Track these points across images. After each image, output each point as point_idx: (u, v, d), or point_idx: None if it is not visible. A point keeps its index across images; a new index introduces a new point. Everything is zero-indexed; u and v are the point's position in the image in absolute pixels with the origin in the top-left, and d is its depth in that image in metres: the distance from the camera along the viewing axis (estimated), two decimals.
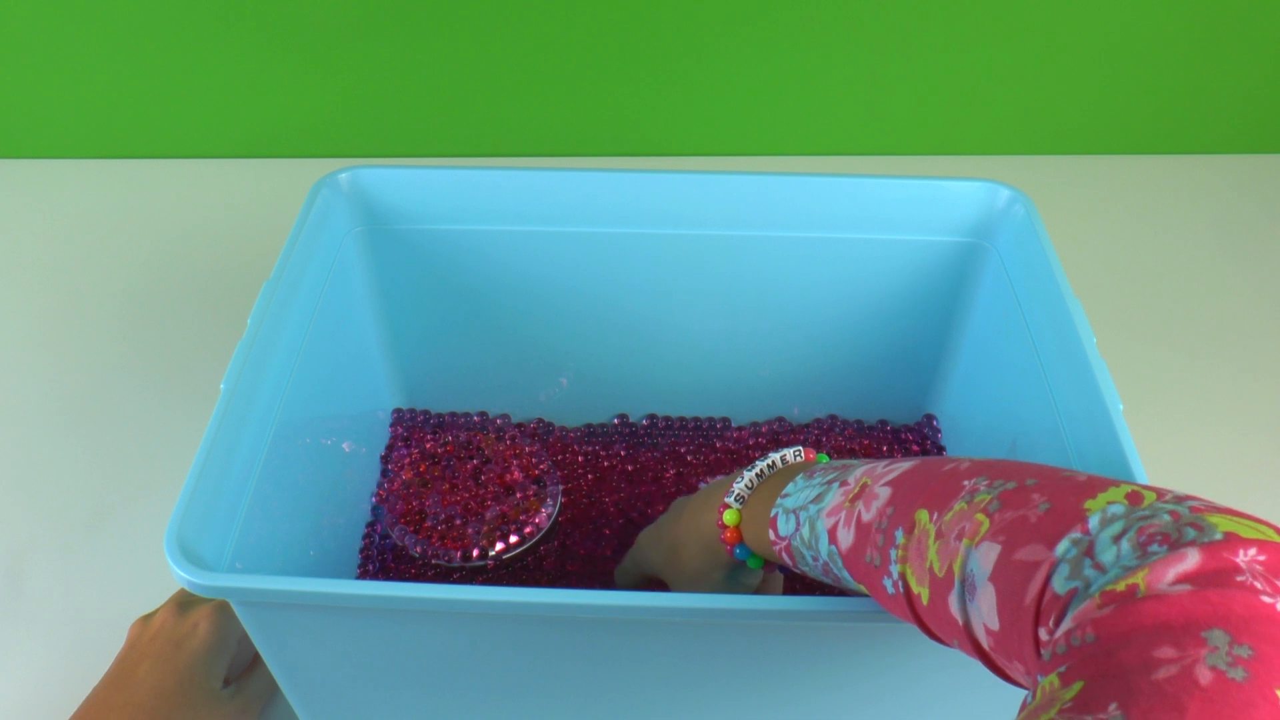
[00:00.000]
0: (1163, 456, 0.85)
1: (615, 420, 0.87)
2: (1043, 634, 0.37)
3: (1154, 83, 1.15)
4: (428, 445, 0.82)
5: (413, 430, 0.87)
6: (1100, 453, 0.56)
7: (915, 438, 0.85)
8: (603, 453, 0.85)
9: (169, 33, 1.08)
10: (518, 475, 0.79)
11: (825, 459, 0.59)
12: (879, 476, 0.49)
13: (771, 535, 0.54)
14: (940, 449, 0.85)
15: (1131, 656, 0.32)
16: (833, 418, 0.87)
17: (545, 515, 0.77)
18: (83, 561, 0.80)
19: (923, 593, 0.43)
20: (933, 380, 0.84)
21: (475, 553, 0.74)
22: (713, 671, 0.58)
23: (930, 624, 0.44)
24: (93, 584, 0.79)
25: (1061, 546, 0.37)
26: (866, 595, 0.49)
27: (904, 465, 0.49)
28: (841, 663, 0.57)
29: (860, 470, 0.51)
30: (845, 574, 0.49)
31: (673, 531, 0.65)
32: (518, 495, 0.78)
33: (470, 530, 0.76)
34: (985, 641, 0.40)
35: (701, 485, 0.74)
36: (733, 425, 0.87)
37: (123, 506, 0.84)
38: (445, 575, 0.76)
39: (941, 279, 0.77)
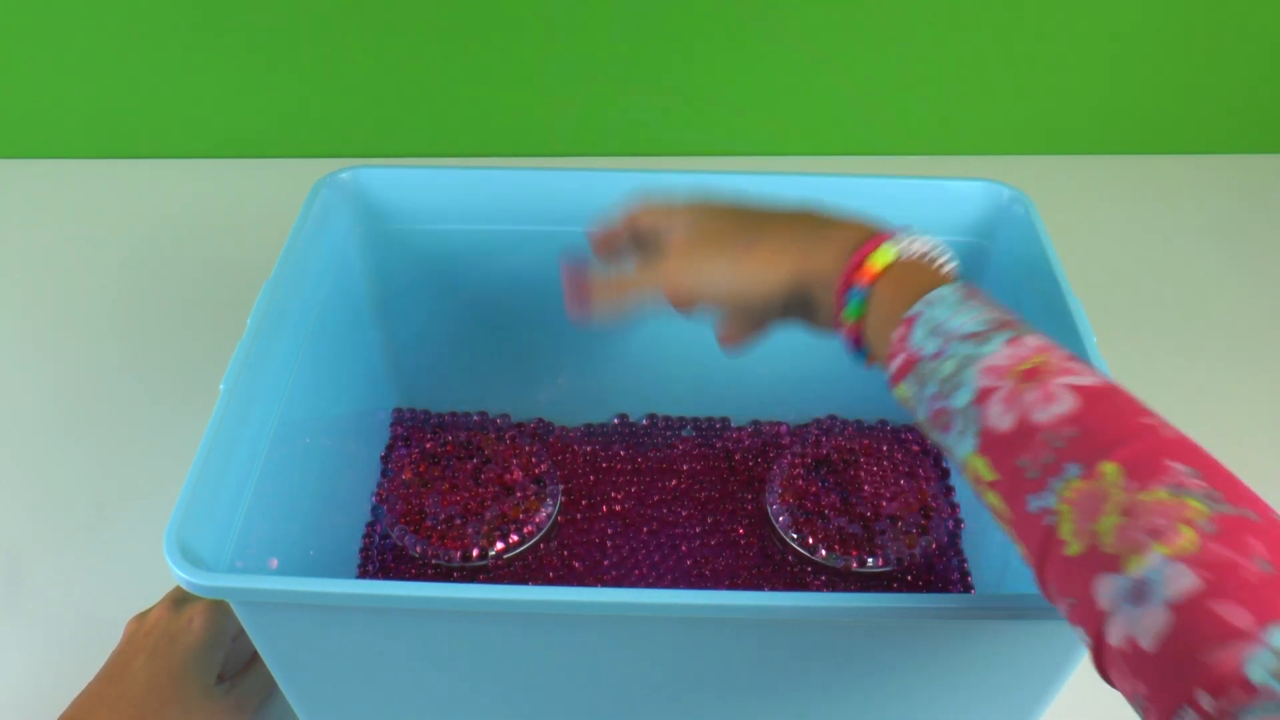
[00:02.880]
0: None
1: (615, 420, 0.87)
2: (1204, 701, 0.34)
3: (1154, 83, 1.15)
4: (428, 445, 0.82)
5: (413, 430, 0.87)
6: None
7: (916, 437, 0.85)
8: (603, 452, 0.85)
9: (169, 33, 1.08)
10: (518, 475, 0.79)
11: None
12: (1060, 369, 0.44)
13: (899, 332, 0.49)
14: None
15: None
16: (832, 417, 0.87)
17: (545, 515, 0.77)
18: (82, 561, 0.80)
19: (1073, 544, 0.40)
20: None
21: (475, 552, 0.74)
22: (716, 671, 0.58)
23: (1053, 571, 0.41)
24: (92, 583, 0.79)
25: (1274, 634, 0.34)
26: (971, 469, 0.45)
27: (1090, 374, 0.45)
28: (848, 662, 0.57)
29: (1033, 338, 0.46)
30: (969, 439, 0.45)
31: (758, 272, 0.55)
32: (517, 495, 0.78)
33: (470, 530, 0.75)
34: (1119, 643, 0.38)
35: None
36: (733, 425, 0.87)
37: (122, 506, 0.84)
38: (445, 575, 0.76)
39: None
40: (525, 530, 0.76)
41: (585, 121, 1.17)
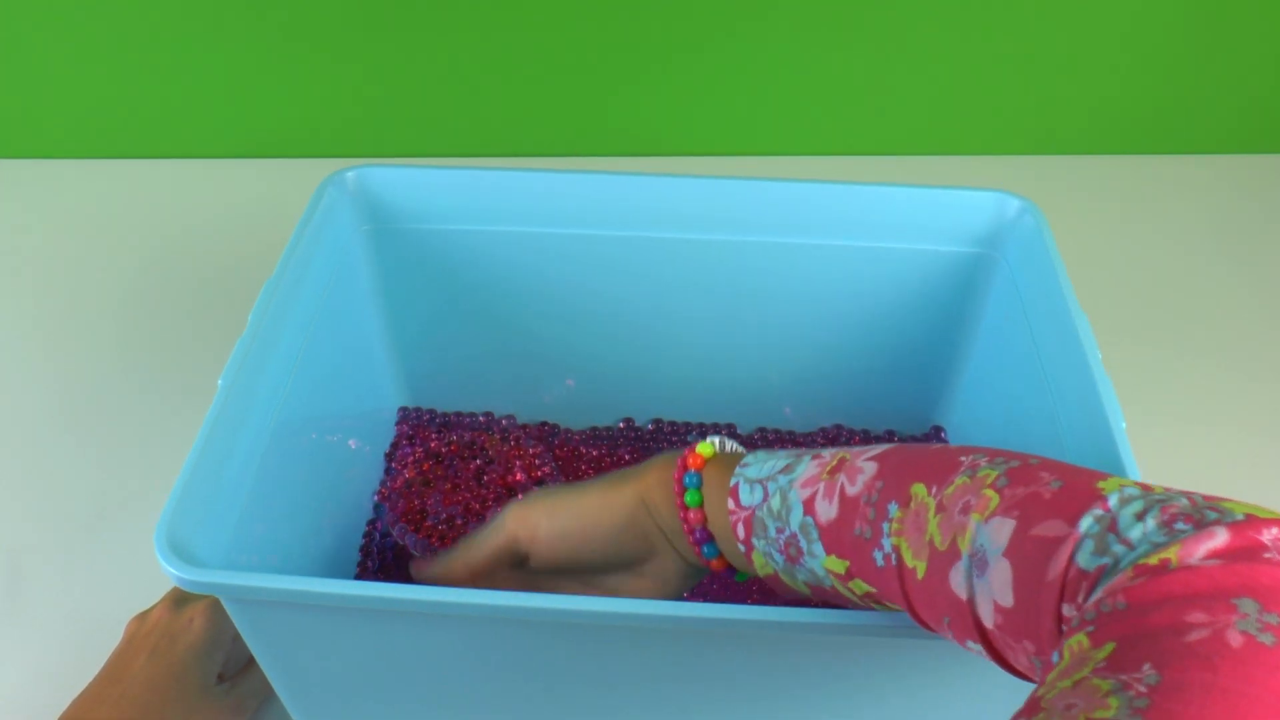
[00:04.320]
0: (1162, 458, 0.84)
1: (621, 424, 0.87)
2: (1067, 610, 0.37)
3: (1154, 83, 1.14)
4: (432, 444, 0.82)
5: (418, 429, 0.87)
6: (1101, 469, 0.55)
7: None
8: (608, 456, 0.85)
9: (170, 32, 1.08)
10: (520, 477, 0.79)
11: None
12: (857, 454, 0.49)
13: (730, 505, 0.53)
14: None
15: (1163, 620, 0.33)
16: (838, 427, 0.86)
17: None
18: (82, 561, 0.80)
19: (919, 566, 0.43)
20: (940, 391, 0.83)
21: None
22: (715, 680, 0.58)
23: (919, 601, 0.44)
24: (92, 583, 0.79)
25: (1085, 523, 0.38)
26: (831, 573, 0.49)
27: (881, 445, 0.50)
28: (844, 674, 0.57)
29: (830, 449, 0.52)
30: (815, 547, 0.49)
31: (599, 503, 0.59)
32: (519, 497, 0.77)
33: (470, 531, 0.75)
34: (991, 619, 0.40)
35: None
36: (739, 432, 0.87)
37: (122, 506, 0.84)
38: None
39: (950, 289, 0.76)
40: None
41: (587, 121, 1.17)
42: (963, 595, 0.41)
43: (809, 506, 0.49)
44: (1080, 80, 1.14)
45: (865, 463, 0.48)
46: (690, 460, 0.56)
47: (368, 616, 0.53)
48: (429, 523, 0.76)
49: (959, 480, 0.43)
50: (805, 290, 0.77)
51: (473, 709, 0.63)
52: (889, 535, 0.45)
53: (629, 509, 0.58)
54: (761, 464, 0.53)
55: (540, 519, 0.59)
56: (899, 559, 0.44)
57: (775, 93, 1.14)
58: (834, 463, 0.49)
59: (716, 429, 0.87)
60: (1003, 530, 0.40)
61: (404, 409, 0.88)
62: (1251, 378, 0.96)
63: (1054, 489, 0.40)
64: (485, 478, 0.79)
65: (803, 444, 0.85)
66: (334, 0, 1.06)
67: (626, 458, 0.84)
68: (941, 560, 0.42)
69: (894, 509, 0.45)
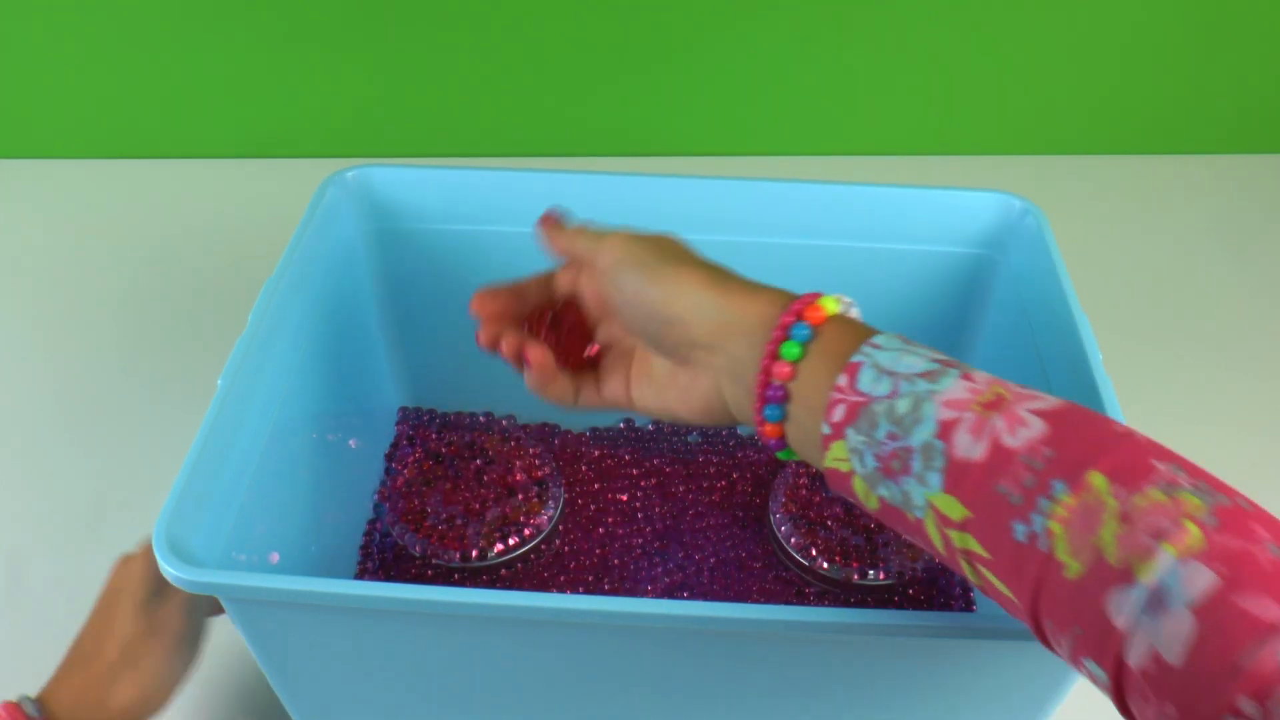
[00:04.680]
0: None
1: (621, 424, 0.87)
2: (1246, 706, 0.32)
3: (1155, 83, 1.15)
4: (432, 444, 0.82)
5: (418, 429, 0.86)
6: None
7: None
8: (609, 456, 0.85)
9: (170, 32, 1.08)
10: (520, 477, 0.79)
11: None
12: (1019, 396, 0.42)
13: (841, 381, 0.45)
14: None
15: None
16: None
17: (546, 518, 0.77)
18: (82, 561, 0.80)
19: (1072, 565, 0.38)
20: None
21: (474, 553, 0.74)
22: (714, 679, 0.58)
23: (1050, 597, 0.39)
24: (92, 583, 0.78)
25: None
26: (897, 505, 0.43)
27: (1048, 398, 0.43)
28: (842, 675, 0.56)
29: (983, 373, 0.44)
30: (931, 476, 0.42)
31: (684, 284, 0.53)
32: (519, 497, 0.77)
33: (470, 531, 0.75)
34: (1140, 663, 0.35)
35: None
36: (739, 432, 0.87)
37: (122, 506, 0.84)
38: (445, 575, 0.75)
39: (952, 290, 0.76)
40: (525, 532, 0.75)
41: (588, 121, 1.17)
42: (1118, 623, 0.36)
43: (946, 431, 0.42)
44: (1081, 80, 1.14)
45: (1030, 415, 0.41)
46: (809, 313, 0.48)
47: (367, 616, 0.53)
48: (429, 523, 0.76)
49: (1154, 494, 0.37)
50: (805, 290, 0.77)
51: (473, 708, 0.63)
52: (1045, 514, 0.39)
53: (700, 311, 0.52)
54: (896, 354, 0.45)
55: (629, 259, 0.55)
56: (1049, 546, 0.38)
57: (776, 92, 1.14)
58: (989, 395, 0.43)
59: (717, 430, 0.86)
60: (1199, 580, 0.35)
61: (404, 409, 0.88)
62: (1252, 378, 0.96)
63: (1273, 557, 0.34)
64: (485, 477, 0.79)
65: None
66: (334, 0, 1.06)
67: (626, 457, 0.84)
68: (1106, 574, 0.37)
69: (1061, 490, 0.39)
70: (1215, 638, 0.33)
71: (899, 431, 0.43)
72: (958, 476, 0.41)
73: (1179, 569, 0.35)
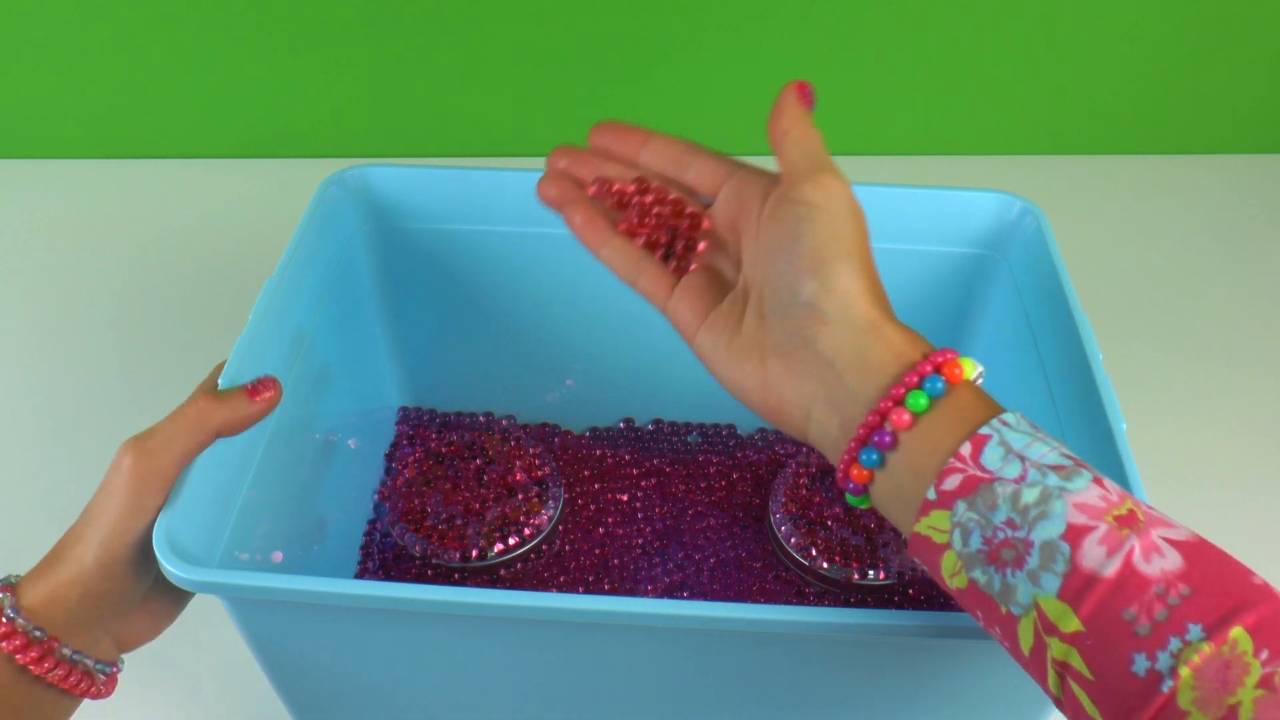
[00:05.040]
0: (1163, 458, 0.84)
1: (621, 424, 0.87)
2: None
3: (1155, 83, 1.15)
4: (432, 444, 0.82)
5: (418, 429, 0.87)
6: (1102, 471, 0.55)
7: None
8: (609, 457, 0.85)
9: (170, 32, 1.08)
10: (520, 477, 0.79)
11: None
12: (1153, 521, 0.40)
13: (965, 449, 0.42)
14: None
15: None
16: None
17: (546, 518, 0.77)
18: None
19: (1195, 715, 0.36)
20: None
21: (474, 553, 0.74)
22: (713, 680, 0.58)
23: None
24: None
25: None
26: (991, 592, 0.41)
27: (1179, 527, 0.40)
28: (841, 676, 0.56)
29: (1113, 484, 0.42)
30: (1047, 579, 0.39)
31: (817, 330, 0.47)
32: (519, 497, 0.77)
33: (470, 530, 0.75)
34: None
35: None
36: (739, 432, 0.87)
37: None
38: (446, 575, 0.75)
39: (951, 290, 0.76)
40: (525, 532, 0.76)
41: (588, 121, 1.16)
42: None
43: (1074, 535, 0.39)
44: (1082, 80, 1.14)
45: (1165, 544, 0.39)
46: (946, 369, 0.45)
47: (368, 616, 0.53)
48: (429, 523, 0.76)
49: None
50: None
51: (473, 708, 0.63)
52: (1174, 657, 0.36)
53: (856, 325, 0.47)
54: (1028, 438, 0.42)
55: (814, 228, 0.50)
56: (1174, 691, 0.36)
57: (776, 92, 1.14)
58: (1124, 510, 0.40)
59: (717, 430, 0.87)
60: None
61: (404, 409, 0.88)
62: (1252, 378, 0.96)
63: None
64: (485, 477, 0.79)
65: (802, 446, 0.85)
66: (334, 1, 1.06)
67: (626, 457, 0.84)
68: None
69: (1197, 635, 0.36)
70: None
71: (1020, 521, 0.40)
72: (1079, 587, 0.39)
73: None
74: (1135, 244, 1.10)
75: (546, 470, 0.80)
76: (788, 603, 0.76)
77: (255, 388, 0.55)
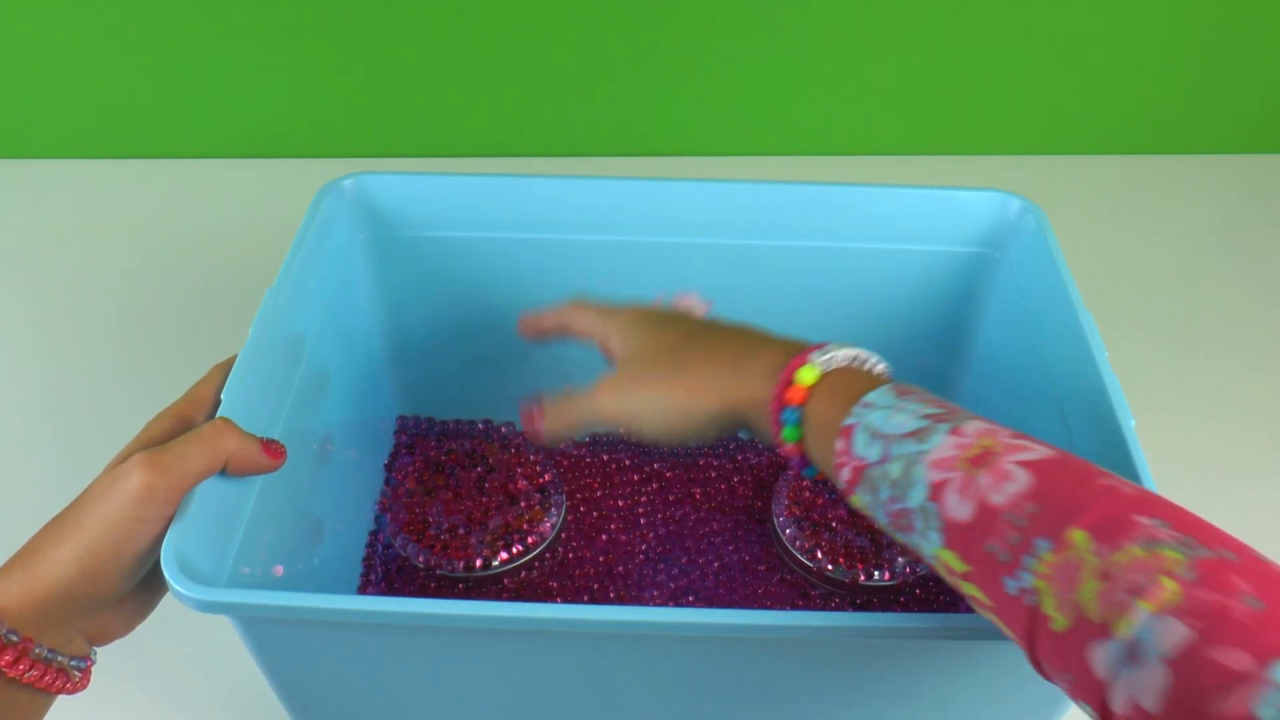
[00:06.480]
0: (1164, 458, 0.84)
1: (621, 429, 0.87)
2: None
3: (1155, 83, 1.15)
4: (431, 453, 0.81)
5: (417, 438, 0.86)
6: (1111, 470, 0.55)
7: None
8: (610, 462, 0.85)
9: (169, 32, 1.08)
10: (522, 484, 0.78)
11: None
12: (1007, 447, 0.44)
13: (839, 444, 0.48)
14: None
15: None
16: None
17: (549, 525, 0.76)
18: None
19: (1058, 619, 0.39)
20: (943, 391, 0.82)
21: (478, 563, 0.74)
22: (721, 686, 0.58)
23: (1044, 647, 0.40)
24: None
25: (1277, 669, 0.33)
26: (947, 564, 0.45)
27: (1039, 447, 0.44)
28: (846, 679, 0.56)
29: (975, 424, 0.46)
30: (933, 535, 0.45)
31: (717, 337, 0.59)
32: (522, 504, 0.77)
33: (473, 540, 0.75)
34: (1124, 710, 0.37)
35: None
36: (741, 435, 0.86)
37: None
38: (449, 585, 0.75)
39: (952, 290, 0.76)
40: (529, 540, 0.75)
41: (587, 121, 1.17)
42: (1099, 674, 0.37)
43: (937, 493, 0.44)
44: (1082, 81, 1.14)
45: (1015, 468, 0.43)
46: (789, 394, 0.51)
47: (377, 630, 0.53)
48: (431, 532, 0.76)
49: (1134, 550, 0.38)
50: (807, 292, 0.77)
51: (480, 719, 0.63)
52: (1030, 572, 0.40)
53: (719, 413, 0.56)
54: (887, 413, 0.47)
55: (633, 410, 0.59)
56: (1036, 602, 0.40)
57: (776, 92, 1.14)
58: (976, 450, 0.44)
59: None
60: (1173, 634, 0.36)
61: (402, 418, 0.87)
62: (1257, 375, 0.96)
63: (1249, 609, 0.35)
64: (487, 485, 0.78)
65: None
66: (334, 1, 1.06)
67: (627, 462, 0.84)
68: (1087, 629, 0.38)
69: (1044, 548, 0.40)
70: (1188, 688, 0.35)
71: (897, 495, 0.46)
72: (953, 534, 0.44)
73: (1153, 623, 0.36)
74: (1136, 244, 1.10)
75: (548, 477, 0.79)
76: (793, 605, 0.76)
77: (270, 445, 0.55)
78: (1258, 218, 1.14)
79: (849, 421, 0.48)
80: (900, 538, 0.47)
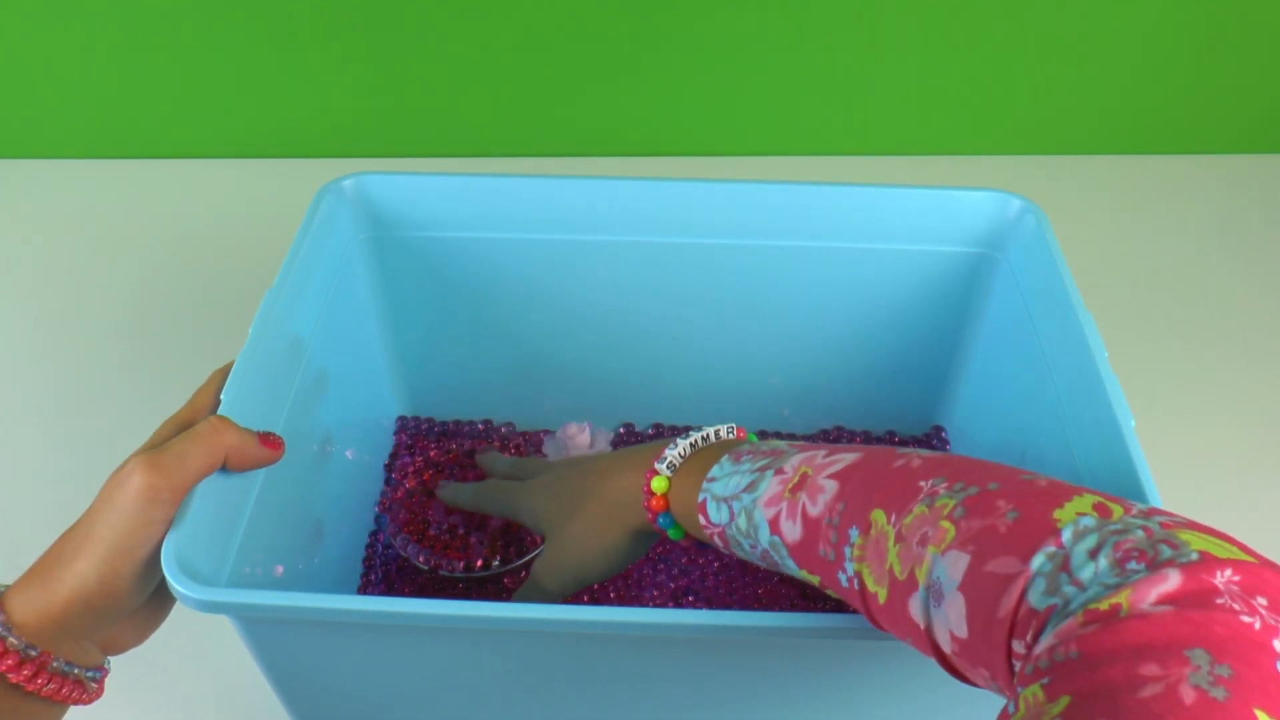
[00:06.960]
0: (1164, 457, 0.84)
1: (621, 429, 0.87)
2: (1017, 646, 0.38)
3: (1156, 83, 1.15)
4: (431, 453, 0.81)
5: (417, 438, 0.86)
6: (1111, 469, 0.55)
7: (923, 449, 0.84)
8: None
9: (170, 32, 1.08)
10: None
11: (755, 439, 0.59)
12: (820, 467, 0.50)
13: (702, 520, 0.55)
14: None
15: (1117, 674, 0.33)
16: (839, 428, 0.86)
17: None
18: None
19: (880, 592, 0.44)
20: (942, 391, 0.83)
21: (478, 563, 0.74)
22: (720, 685, 0.58)
23: (884, 620, 0.45)
24: None
25: (1036, 560, 0.38)
26: (809, 581, 0.51)
27: (847, 456, 0.50)
28: (846, 679, 0.56)
29: (796, 458, 0.52)
30: (789, 562, 0.51)
31: (579, 485, 0.64)
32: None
33: (473, 540, 0.75)
34: (949, 647, 0.41)
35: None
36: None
37: None
38: (450, 585, 0.75)
39: (951, 290, 0.76)
40: (529, 541, 0.75)
41: (587, 121, 1.16)
42: (920, 623, 0.42)
43: (774, 526, 0.50)
44: (1082, 81, 1.14)
45: (826, 480, 0.49)
46: (654, 505, 0.58)
47: (378, 629, 0.53)
48: (431, 533, 0.76)
49: (917, 510, 0.44)
50: (806, 293, 0.77)
51: (480, 719, 0.63)
52: (851, 560, 0.46)
53: (614, 537, 0.62)
54: (726, 480, 0.54)
55: (536, 507, 0.66)
56: (861, 584, 0.45)
57: (775, 92, 1.14)
58: (796, 479, 0.50)
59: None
60: (958, 564, 0.40)
61: (402, 418, 0.87)
62: (1257, 375, 0.96)
63: (1009, 522, 0.40)
64: None
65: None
66: (334, 1, 1.06)
67: None
68: (901, 589, 0.43)
69: (855, 534, 0.46)
70: (979, 603, 0.39)
71: (753, 540, 0.52)
72: (798, 556, 0.50)
73: (941, 561, 0.41)
74: (1136, 244, 1.10)
75: None
76: (793, 604, 0.76)
77: (267, 437, 0.56)
78: (1258, 218, 1.14)
79: (700, 499, 0.55)
80: (781, 573, 0.53)
